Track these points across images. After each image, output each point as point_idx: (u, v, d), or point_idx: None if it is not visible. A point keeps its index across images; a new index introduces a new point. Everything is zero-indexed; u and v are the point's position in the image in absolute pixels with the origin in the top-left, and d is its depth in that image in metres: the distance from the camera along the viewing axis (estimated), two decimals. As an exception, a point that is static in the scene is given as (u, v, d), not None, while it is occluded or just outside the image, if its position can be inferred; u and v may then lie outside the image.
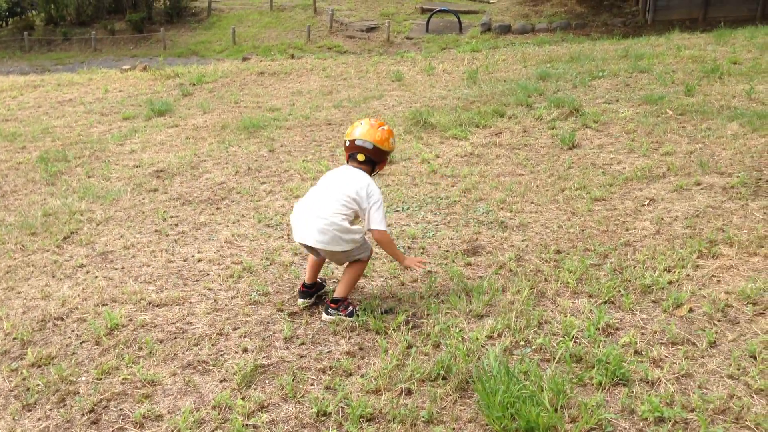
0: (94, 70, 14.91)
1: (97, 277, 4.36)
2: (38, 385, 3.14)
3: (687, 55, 10.30)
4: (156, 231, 5.17)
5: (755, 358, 2.97)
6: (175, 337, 3.50)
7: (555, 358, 3.04)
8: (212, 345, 3.40)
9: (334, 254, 3.54)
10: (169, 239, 4.97)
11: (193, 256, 4.60)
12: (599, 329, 3.24)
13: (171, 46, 23.64)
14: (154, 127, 8.89)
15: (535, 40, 17.87)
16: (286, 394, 2.97)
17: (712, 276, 3.74)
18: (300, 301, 3.77)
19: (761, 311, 3.35)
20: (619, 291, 3.62)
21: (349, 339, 3.39)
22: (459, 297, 3.67)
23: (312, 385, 3.03)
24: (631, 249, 4.17)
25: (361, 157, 3.61)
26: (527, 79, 9.68)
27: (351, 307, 3.60)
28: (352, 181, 3.53)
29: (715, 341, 3.13)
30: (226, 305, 3.82)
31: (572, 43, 14.71)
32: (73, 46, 24.09)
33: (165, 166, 6.97)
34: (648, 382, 2.86)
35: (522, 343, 3.22)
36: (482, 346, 3.19)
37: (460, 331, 3.34)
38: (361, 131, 3.61)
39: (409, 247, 4.49)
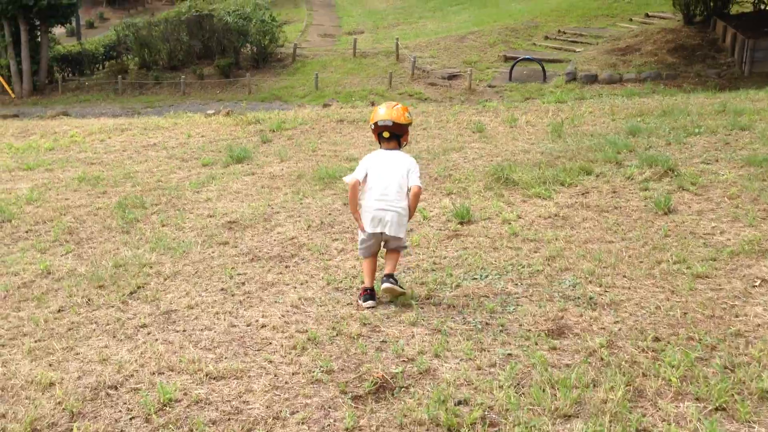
0: (180, 114, 15.27)
1: (157, 339, 4.17)
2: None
3: (793, 111, 9.58)
4: (222, 289, 4.98)
5: None
6: (229, 419, 3.23)
7: (658, 479, 2.59)
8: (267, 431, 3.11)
9: (397, 239, 4.47)
10: (234, 299, 4.76)
11: (257, 320, 4.36)
12: (710, 444, 2.77)
13: (255, 91, 24.19)
14: (231, 175, 8.86)
15: (623, 91, 17.26)
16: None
17: None
18: (368, 303, 4.39)
19: None
20: (732, 395, 3.12)
21: (417, 434, 3.03)
22: (543, 390, 3.26)
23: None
24: (742, 341, 3.65)
25: (386, 134, 4.52)
26: (616, 134, 9.17)
27: (400, 287, 4.50)
28: (401, 166, 4.49)
29: None
30: (286, 383, 3.53)
31: (664, 96, 14.08)
32: (163, 89, 25.01)
33: (238, 216, 6.86)
34: None
35: (617, 454, 2.78)
36: (570, 456, 2.77)
37: (544, 433, 2.93)
38: (381, 114, 4.49)
39: (487, 323, 4.10)
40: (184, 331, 4.28)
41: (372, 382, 3.45)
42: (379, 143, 4.66)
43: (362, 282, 4.67)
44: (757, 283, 4.38)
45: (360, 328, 4.15)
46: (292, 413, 3.25)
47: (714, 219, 5.71)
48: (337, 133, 11.55)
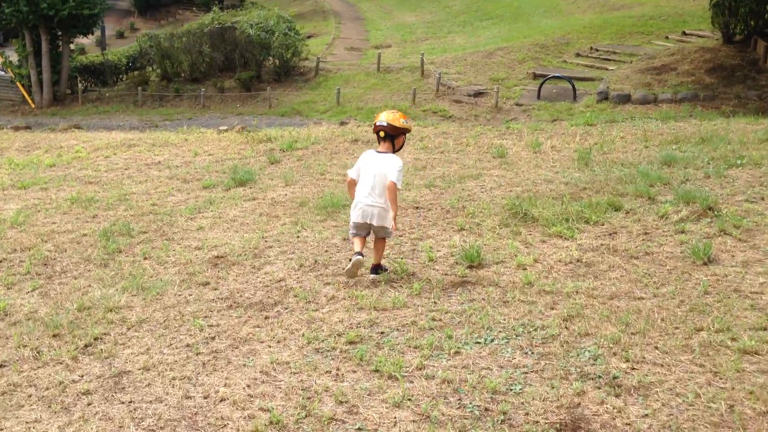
0: (192, 130, 14.74)
1: (96, 413, 3.55)
2: None
3: None
4: (187, 345, 4.34)
5: None
6: None
7: None
8: None
9: (383, 228, 5.20)
10: (198, 360, 4.12)
11: (216, 391, 3.70)
12: None
13: (276, 105, 23.68)
14: (231, 200, 8.26)
15: (657, 113, 16.37)
16: None
17: None
18: (356, 258, 5.10)
19: None
20: None
21: None
22: None
23: None
24: (807, 452, 2.91)
25: (381, 134, 5.25)
26: (649, 164, 8.37)
27: (385, 269, 5.36)
28: (386, 167, 5.14)
29: None
30: (230, 488, 2.87)
31: (701, 119, 13.17)
32: (183, 102, 24.64)
33: (227, 251, 6.23)
34: None
35: None
36: None
37: None
38: (381, 117, 5.25)
39: (486, 409, 3.39)
40: (131, 402, 3.65)
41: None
42: (378, 143, 5.39)
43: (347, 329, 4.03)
44: (819, 365, 3.61)
45: (334, 407, 3.47)
46: None
47: (762, 273, 4.92)
48: (350, 154, 10.89)
